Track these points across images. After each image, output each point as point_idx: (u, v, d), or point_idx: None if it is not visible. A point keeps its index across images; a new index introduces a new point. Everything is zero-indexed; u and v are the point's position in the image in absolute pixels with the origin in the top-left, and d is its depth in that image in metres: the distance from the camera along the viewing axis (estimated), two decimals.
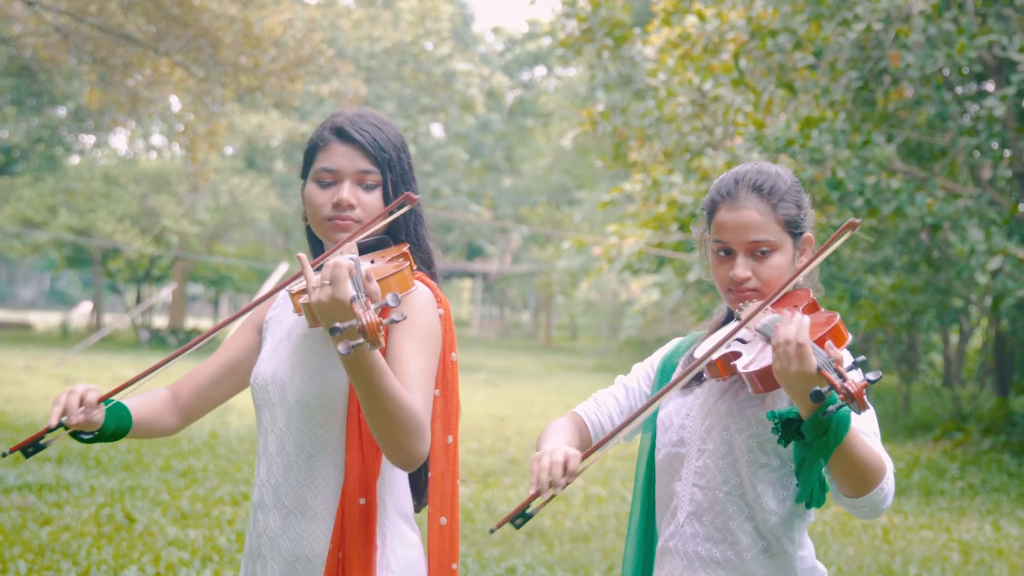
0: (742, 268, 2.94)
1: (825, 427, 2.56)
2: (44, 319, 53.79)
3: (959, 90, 14.25)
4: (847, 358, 2.63)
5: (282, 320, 3.06)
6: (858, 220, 2.77)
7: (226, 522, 9.38)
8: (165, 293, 39.65)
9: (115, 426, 2.92)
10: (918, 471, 14.22)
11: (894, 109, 13.72)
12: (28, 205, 37.25)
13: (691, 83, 15.44)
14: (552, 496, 2.68)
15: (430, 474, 2.88)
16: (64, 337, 40.54)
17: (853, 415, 2.73)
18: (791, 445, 2.73)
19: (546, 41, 47.05)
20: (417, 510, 3.05)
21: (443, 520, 2.87)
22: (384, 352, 2.82)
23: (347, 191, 2.93)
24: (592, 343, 50.84)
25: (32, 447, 2.79)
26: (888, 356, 22.23)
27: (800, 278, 2.91)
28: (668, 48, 16.63)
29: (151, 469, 11.85)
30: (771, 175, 2.99)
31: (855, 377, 2.56)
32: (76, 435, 2.87)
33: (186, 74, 17.40)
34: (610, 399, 3.21)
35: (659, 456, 3.06)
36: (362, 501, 2.82)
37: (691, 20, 15.88)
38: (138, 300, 41.64)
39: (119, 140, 47.32)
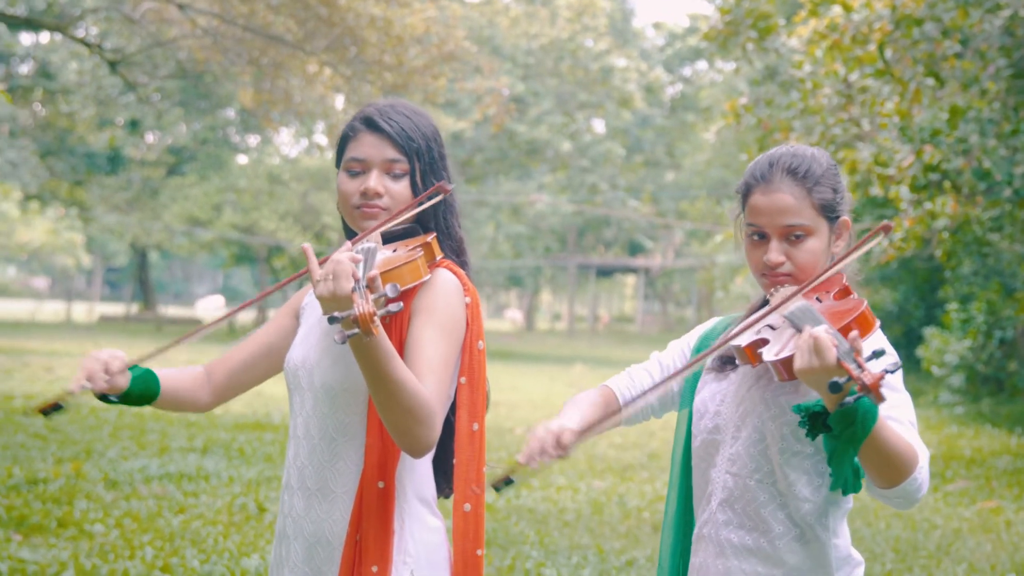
0: (775, 253, 2.90)
1: (851, 419, 2.49)
2: (214, 315, 55.05)
3: None
4: (867, 348, 2.57)
5: (316, 306, 3.12)
6: (892, 223, 2.71)
7: None
8: None
9: (140, 391, 2.99)
10: None
11: None
12: (195, 204, 38.28)
13: (836, 74, 15.18)
14: (537, 469, 2.70)
15: (455, 461, 2.90)
16: (230, 333, 41.52)
17: (886, 403, 2.67)
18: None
19: None
20: (447, 496, 3.07)
21: (467, 507, 2.88)
22: (403, 338, 2.86)
23: (374, 180, 2.97)
24: None
25: (52, 409, 2.91)
26: None
27: (832, 271, 2.86)
28: (816, 39, 16.35)
29: None
30: (806, 158, 2.94)
31: (874, 368, 2.50)
32: (102, 396, 2.94)
33: (334, 73, 17.73)
34: (644, 374, 3.18)
35: (695, 443, 3.04)
36: (380, 485, 2.85)
37: (836, 10, 15.59)
38: None
39: (283, 139, 48.39)
